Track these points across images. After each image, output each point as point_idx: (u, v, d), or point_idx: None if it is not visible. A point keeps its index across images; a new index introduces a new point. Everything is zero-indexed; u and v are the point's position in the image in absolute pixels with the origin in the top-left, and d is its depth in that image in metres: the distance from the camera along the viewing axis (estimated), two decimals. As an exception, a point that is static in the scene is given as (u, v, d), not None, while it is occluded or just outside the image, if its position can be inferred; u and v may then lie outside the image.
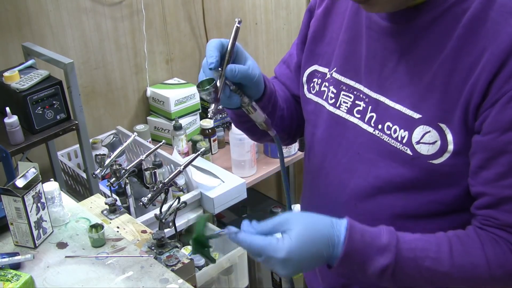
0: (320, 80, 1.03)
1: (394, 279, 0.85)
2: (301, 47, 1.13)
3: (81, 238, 1.32)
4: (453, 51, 0.84)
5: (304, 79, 1.08)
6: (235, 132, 2.33)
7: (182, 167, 1.42)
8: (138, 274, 1.19)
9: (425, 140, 0.87)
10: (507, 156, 0.82)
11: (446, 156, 0.87)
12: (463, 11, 0.84)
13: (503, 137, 0.82)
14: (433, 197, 0.92)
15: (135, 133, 1.75)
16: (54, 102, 1.94)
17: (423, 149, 0.88)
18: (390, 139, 0.92)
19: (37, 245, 1.28)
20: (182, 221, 2.05)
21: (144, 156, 1.48)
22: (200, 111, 2.63)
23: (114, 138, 2.33)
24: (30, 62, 2.06)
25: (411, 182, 0.92)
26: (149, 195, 1.33)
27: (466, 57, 0.83)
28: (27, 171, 1.26)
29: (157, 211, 1.37)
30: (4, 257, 1.20)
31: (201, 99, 2.63)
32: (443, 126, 0.86)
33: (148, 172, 1.36)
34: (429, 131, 0.87)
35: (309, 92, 1.07)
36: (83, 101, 2.07)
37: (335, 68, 1.01)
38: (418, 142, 0.88)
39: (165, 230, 1.34)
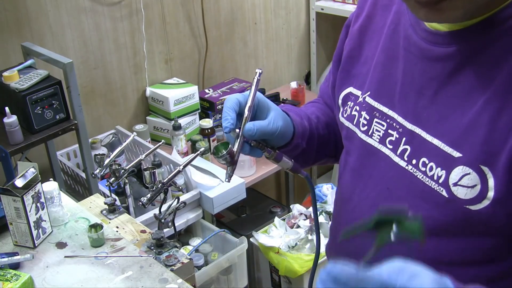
0: (352, 103, 0.96)
1: None
2: (336, 66, 1.05)
3: (81, 238, 1.32)
4: (506, 83, 0.74)
5: (340, 101, 1.01)
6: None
7: (181, 167, 1.42)
8: (137, 274, 1.19)
9: (464, 182, 0.78)
10: None
11: (485, 203, 0.77)
12: None
13: None
14: (468, 245, 0.84)
15: (135, 133, 1.75)
16: (53, 102, 1.94)
17: (461, 192, 0.78)
18: (424, 176, 0.82)
19: (36, 245, 1.28)
20: (181, 221, 2.05)
21: (143, 156, 1.48)
22: (200, 110, 2.63)
23: (114, 138, 2.33)
24: (29, 62, 2.06)
25: (444, 226, 0.83)
26: (149, 195, 1.33)
27: None
28: (26, 171, 1.26)
29: (156, 211, 1.37)
30: (4, 257, 1.20)
31: (202, 99, 2.63)
32: (485, 169, 0.76)
33: (148, 172, 1.36)
34: (469, 173, 0.77)
35: (342, 116, 1.00)
36: (82, 101, 2.07)
37: (368, 92, 0.92)
38: (455, 184, 0.78)
39: (165, 230, 1.35)
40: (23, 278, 1.13)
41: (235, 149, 0.88)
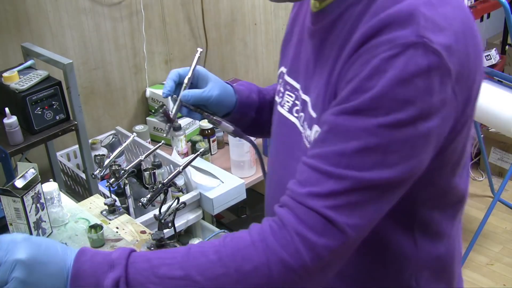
0: (280, 79, 1.06)
1: None
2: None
3: (81, 239, 1.31)
4: (338, 55, 0.82)
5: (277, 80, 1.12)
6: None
7: (181, 167, 1.42)
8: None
9: (313, 139, 0.85)
10: (323, 126, 0.80)
11: None
12: (354, 13, 0.82)
13: (331, 110, 0.80)
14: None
15: (134, 134, 1.74)
16: (53, 102, 1.94)
17: None
18: (305, 138, 0.92)
19: (36, 245, 1.28)
20: (181, 222, 2.05)
21: (143, 156, 1.48)
22: (200, 111, 2.63)
23: (113, 139, 2.33)
24: (29, 63, 2.06)
25: None
26: (149, 196, 1.33)
27: (341, 55, 0.82)
28: (26, 172, 1.26)
29: (156, 211, 1.37)
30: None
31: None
32: None
33: (148, 172, 1.36)
34: (318, 131, 0.85)
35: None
36: (82, 101, 2.07)
37: (286, 69, 1.03)
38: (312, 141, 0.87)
39: (165, 231, 1.34)
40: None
41: (173, 111, 1.04)
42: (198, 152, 1.51)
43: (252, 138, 1.19)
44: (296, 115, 0.96)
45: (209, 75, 1.09)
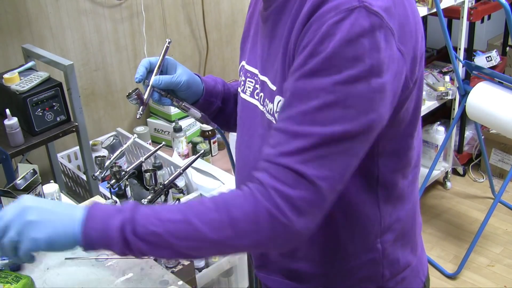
0: (241, 72, 1.13)
1: (138, 235, 0.86)
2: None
3: (81, 240, 1.31)
4: (288, 28, 0.92)
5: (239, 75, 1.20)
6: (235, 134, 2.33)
7: (182, 169, 1.42)
8: (138, 276, 1.19)
9: (279, 108, 0.93)
10: (286, 93, 0.87)
11: None
12: None
13: (290, 78, 0.87)
14: None
15: (135, 135, 1.75)
16: (54, 104, 1.94)
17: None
18: (267, 113, 0.99)
19: (37, 247, 1.28)
20: (182, 223, 2.04)
21: (144, 158, 1.48)
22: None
23: (114, 140, 2.33)
24: (30, 64, 2.06)
25: None
26: (149, 197, 1.33)
27: (291, 33, 0.90)
28: (27, 173, 1.26)
29: (157, 213, 1.37)
30: (4, 259, 1.20)
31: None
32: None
33: (148, 174, 1.36)
34: (280, 100, 0.94)
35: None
36: (83, 103, 2.08)
37: (246, 60, 1.11)
38: (276, 111, 0.95)
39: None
40: (24, 280, 1.13)
41: (146, 95, 1.11)
42: (199, 154, 1.51)
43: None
44: (257, 97, 1.04)
45: (177, 64, 1.17)
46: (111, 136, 2.40)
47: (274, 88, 0.96)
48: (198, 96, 1.18)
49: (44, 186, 1.34)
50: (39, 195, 1.27)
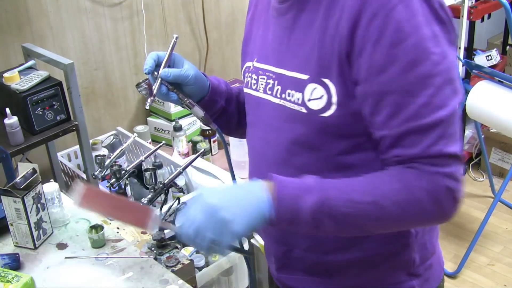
0: (247, 73, 1.15)
1: (330, 216, 0.91)
2: (241, 54, 1.26)
3: (81, 239, 1.32)
4: (324, 14, 0.95)
5: (243, 77, 1.19)
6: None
7: (182, 168, 1.43)
8: (138, 275, 1.19)
9: (314, 96, 0.96)
10: (389, 96, 0.90)
11: (333, 108, 0.95)
12: None
13: (380, 79, 0.89)
14: (336, 151, 1.00)
15: (135, 134, 1.75)
16: (54, 103, 1.94)
17: (314, 105, 0.97)
18: (290, 103, 1.01)
19: (37, 246, 1.28)
20: (182, 222, 2.04)
21: (144, 157, 1.48)
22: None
23: (114, 139, 2.33)
24: (30, 63, 2.06)
25: (311, 139, 1.00)
26: (149, 196, 1.33)
27: (333, 15, 0.93)
28: (27, 172, 1.26)
29: (157, 212, 1.37)
30: (4, 258, 1.20)
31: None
32: (326, 80, 0.95)
33: (148, 173, 1.36)
34: (316, 88, 0.96)
35: (243, 87, 1.18)
36: (83, 102, 2.07)
37: (255, 59, 1.12)
38: (309, 100, 0.97)
39: (165, 231, 1.34)
40: (24, 279, 1.13)
41: (154, 87, 1.09)
42: (199, 153, 1.51)
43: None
44: (269, 92, 1.06)
45: (184, 60, 1.16)
46: (111, 135, 2.40)
47: (304, 77, 0.98)
48: (204, 93, 1.18)
49: (44, 185, 1.34)
50: (39, 194, 1.27)
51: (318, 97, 0.96)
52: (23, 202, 1.22)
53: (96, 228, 1.29)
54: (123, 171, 1.41)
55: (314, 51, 0.96)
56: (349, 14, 0.90)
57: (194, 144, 2.47)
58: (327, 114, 0.96)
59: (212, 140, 2.54)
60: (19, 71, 1.98)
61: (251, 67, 1.13)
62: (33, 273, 1.20)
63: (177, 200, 1.36)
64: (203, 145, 2.44)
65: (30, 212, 1.24)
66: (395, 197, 0.91)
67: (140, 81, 1.13)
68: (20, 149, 1.87)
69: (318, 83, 0.96)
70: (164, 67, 1.11)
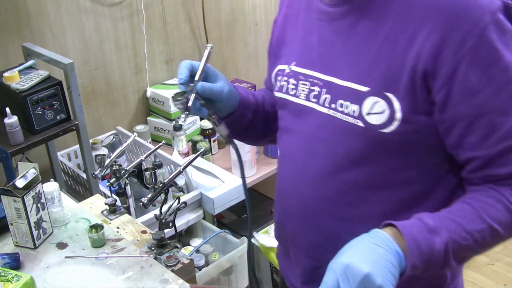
0: (281, 77, 1.09)
1: (455, 253, 0.88)
2: (269, 58, 1.22)
3: (81, 239, 1.32)
4: (394, 25, 0.90)
5: (273, 81, 1.15)
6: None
7: (182, 167, 1.43)
8: (138, 275, 1.19)
9: (375, 110, 0.91)
10: (484, 117, 0.87)
11: (395, 124, 0.91)
12: None
13: (474, 100, 0.86)
14: (390, 167, 0.96)
15: (135, 134, 1.75)
16: (54, 102, 1.94)
17: (373, 119, 0.92)
18: (343, 115, 0.96)
19: (37, 245, 1.28)
20: (182, 222, 2.04)
21: (144, 156, 1.48)
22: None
23: (114, 139, 2.33)
24: (30, 63, 2.06)
25: (366, 154, 0.96)
26: (149, 196, 1.33)
27: (408, 28, 0.88)
28: (27, 172, 1.26)
29: (157, 211, 1.37)
30: (4, 258, 1.20)
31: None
32: (389, 95, 0.90)
33: (148, 172, 1.36)
34: (378, 102, 0.91)
35: (275, 91, 1.13)
36: (83, 101, 2.07)
37: (294, 63, 1.06)
38: (368, 113, 0.92)
39: (165, 231, 1.35)
40: (24, 279, 1.13)
41: (190, 103, 1.01)
42: (199, 152, 1.51)
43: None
44: (314, 100, 1.01)
45: (218, 74, 1.10)
46: (111, 134, 2.40)
47: (364, 88, 0.93)
48: (233, 109, 1.12)
49: (44, 185, 1.34)
50: (39, 193, 1.27)
51: (379, 111, 0.91)
52: (23, 201, 1.22)
53: (96, 227, 1.29)
54: (123, 171, 1.42)
55: (379, 63, 0.91)
56: (433, 31, 0.86)
57: (194, 143, 2.47)
58: (387, 130, 0.92)
59: (212, 139, 2.54)
60: (19, 71, 1.98)
61: (287, 71, 1.07)
62: (33, 272, 1.20)
63: (177, 200, 1.36)
64: (203, 145, 2.44)
65: (30, 212, 1.24)
66: (502, 218, 0.89)
67: (177, 93, 1.02)
68: (20, 149, 1.87)
69: (381, 97, 0.91)
70: (199, 80, 1.03)
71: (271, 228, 2.42)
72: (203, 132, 2.55)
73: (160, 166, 2.12)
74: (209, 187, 2.12)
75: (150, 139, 2.56)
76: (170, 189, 1.37)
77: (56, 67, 2.01)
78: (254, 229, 2.47)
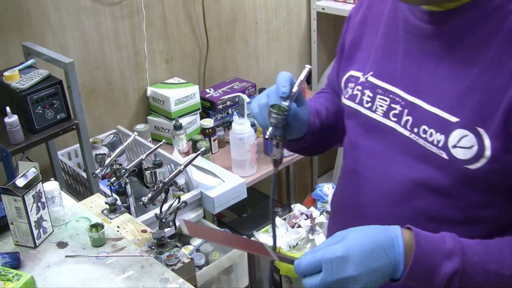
0: (353, 84, 1.03)
1: (461, 284, 0.84)
2: (340, 55, 1.14)
3: (81, 238, 1.32)
4: (497, 55, 0.83)
5: (342, 85, 1.09)
6: (235, 132, 2.33)
7: (182, 166, 1.42)
8: (138, 274, 1.19)
9: (462, 144, 0.86)
10: None
11: (482, 161, 0.85)
12: (506, 14, 0.83)
13: None
14: (470, 203, 0.91)
15: (135, 133, 1.75)
16: (54, 101, 1.94)
17: (460, 154, 0.86)
18: (426, 142, 0.90)
19: (37, 244, 1.28)
20: (182, 221, 2.04)
21: (144, 155, 1.48)
22: (200, 110, 2.63)
23: (114, 138, 2.33)
24: (30, 62, 2.05)
25: (446, 186, 0.91)
26: (149, 195, 1.33)
27: (510, 62, 0.82)
28: (27, 171, 1.26)
29: (157, 210, 1.37)
30: (5, 257, 1.20)
31: (203, 99, 2.63)
32: (481, 130, 0.84)
33: (148, 171, 1.36)
34: (467, 135, 0.85)
35: (344, 97, 1.07)
36: (83, 100, 2.07)
37: (371, 72, 1.00)
38: (454, 146, 0.87)
39: (165, 230, 1.34)
40: (25, 278, 1.13)
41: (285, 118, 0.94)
42: (199, 151, 1.51)
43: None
44: (394, 118, 0.95)
45: (303, 96, 1.03)
46: (111, 133, 2.40)
47: (453, 118, 0.86)
48: (300, 135, 1.05)
49: (44, 184, 1.34)
50: (40, 193, 1.27)
51: (467, 146, 0.85)
52: (24, 200, 1.22)
53: (97, 227, 1.29)
54: (123, 170, 1.41)
55: (473, 93, 0.84)
56: None
57: (194, 142, 2.47)
58: (473, 166, 0.86)
59: (212, 139, 2.54)
60: (19, 70, 1.97)
61: (362, 79, 1.01)
62: (33, 272, 1.20)
63: (177, 199, 1.36)
64: (203, 144, 2.44)
65: (31, 211, 1.24)
66: None
67: (275, 106, 0.94)
68: (20, 148, 1.87)
69: (470, 131, 0.85)
70: (293, 97, 0.96)
71: (270, 227, 2.42)
72: (203, 131, 2.55)
73: (160, 165, 2.12)
74: (209, 186, 2.12)
75: (150, 138, 2.56)
76: (170, 188, 1.37)
77: (57, 66, 2.01)
78: (254, 229, 2.47)
